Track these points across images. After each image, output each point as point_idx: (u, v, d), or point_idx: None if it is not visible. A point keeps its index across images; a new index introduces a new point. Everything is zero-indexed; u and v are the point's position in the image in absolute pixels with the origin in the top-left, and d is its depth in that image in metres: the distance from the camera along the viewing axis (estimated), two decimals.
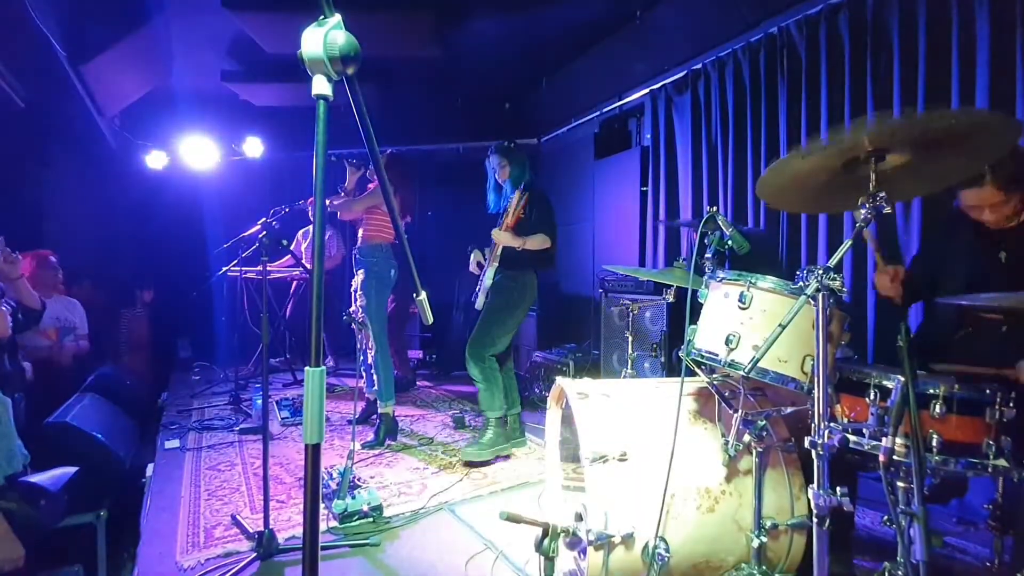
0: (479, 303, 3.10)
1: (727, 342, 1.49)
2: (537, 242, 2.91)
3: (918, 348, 1.78)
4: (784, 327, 1.26)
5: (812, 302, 1.26)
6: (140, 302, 5.34)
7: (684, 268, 2.47)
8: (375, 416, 3.31)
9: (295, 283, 5.31)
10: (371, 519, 2.26)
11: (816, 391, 1.25)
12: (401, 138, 5.83)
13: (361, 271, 3.24)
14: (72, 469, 2.10)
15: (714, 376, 1.72)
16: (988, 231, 1.74)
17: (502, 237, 2.90)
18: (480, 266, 3.13)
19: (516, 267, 2.98)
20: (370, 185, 3.37)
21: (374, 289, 3.21)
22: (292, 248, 4.52)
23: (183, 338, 6.11)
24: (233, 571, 1.89)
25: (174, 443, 3.27)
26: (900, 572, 1.28)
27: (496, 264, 2.99)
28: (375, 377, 3.23)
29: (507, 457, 2.99)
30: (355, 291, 3.27)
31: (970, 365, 1.52)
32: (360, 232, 3.32)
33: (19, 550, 1.74)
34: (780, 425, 1.75)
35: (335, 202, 3.28)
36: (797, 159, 1.36)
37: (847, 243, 1.27)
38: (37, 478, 1.97)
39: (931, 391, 1.31)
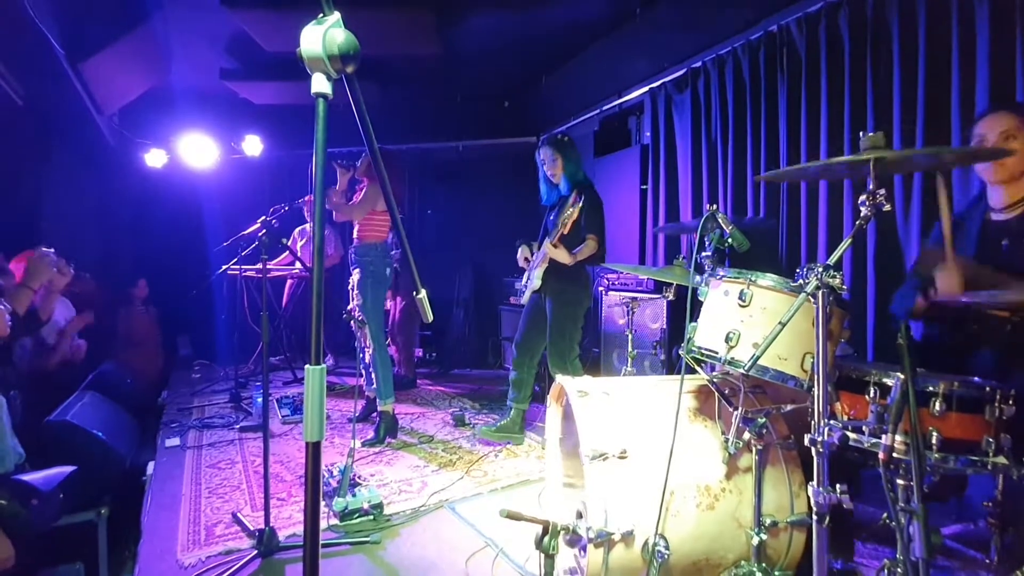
0: (524, 299, 3.14)
1: (727, 340, 1.49)
2: (587, 251, 2.92)
3: (921, 349, 1.79)
4: (784, 325, 1.26)
5: (812, 300, 1.26)
6: (136, 298, 5.34)
7: (684, 266, 2.47)
8: (375, 414, 3.31)
9: (291, 281, 5.31)
10: (371, 517, 2.26)
11: (816, 389, 1.25)
12: (400, 136, 5.83)
13: (357, 270, 3.24)
14: (68, 468, 2.09)
15: (714, 374, 1.73)
16: (993, 223, 1.75)
17: (557, 255, 2.92)
18: (527, 260, 3.15)
19: (569, 270, 2.97)
20: (360, 187, 3.38)
21: (370, 288, 3.21)
22: (288, 243, 4.51)
23: (183, 336, 6.11)
24: (234, 569, 1.89)
25: (174, 441, 3.27)
26: (900, 570, 1.28)
27: (546, 265, 3.01)
28: (373, 375, 3.24)
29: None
30: (352, 289, 3.27)
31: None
32: (355, 231, 3.33)
33: (8, 550, 1.74)
34: (780, 423, 1.75)
35: (333, 199, 3.28)
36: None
37: (847, 240, 1.27)
38: (30, 477, 1.96)
39: (931, 388, 1.31)
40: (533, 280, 3.05)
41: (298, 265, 5.04)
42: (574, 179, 3.03)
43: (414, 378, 4.76)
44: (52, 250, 2.44)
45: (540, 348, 3.15)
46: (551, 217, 3.09)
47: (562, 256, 2.91)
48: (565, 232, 2.90)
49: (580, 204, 2.84)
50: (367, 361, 3.25)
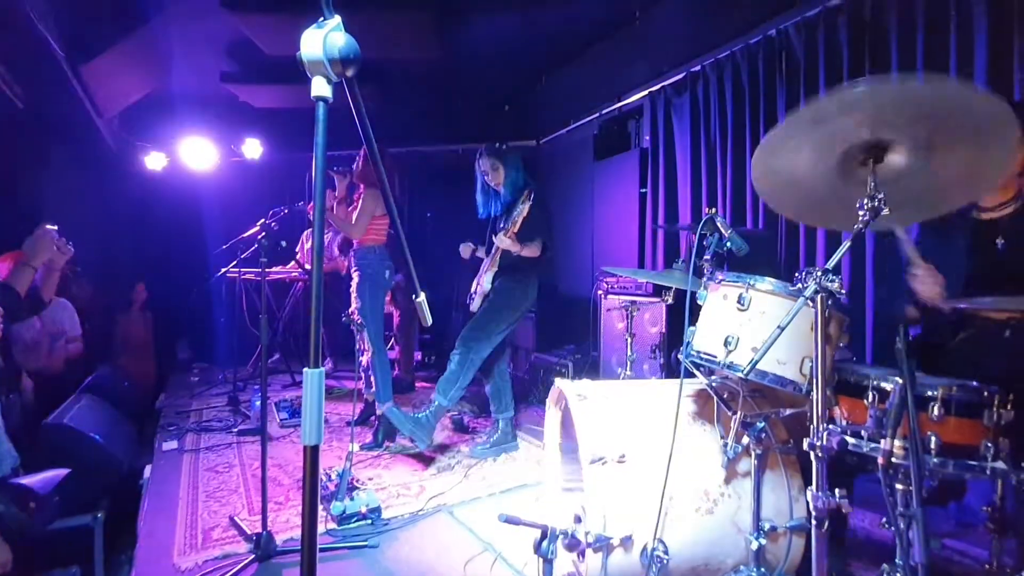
0: (475, 306, 3.11)
1: (726, 344, 1.49)
2: (532, 249, 2.92)
3: (917, 353, 1.78)
4: (783, 329, 1.26)
5: (811, 304, 1.26)
6: (135, 301, 5.33)
7: (683, 270, 2.47)
8: (374, 417, 3.31)
9: (301, 284, 5.30)
10: (369, 521, 2.26)
11: (815, 393, 1.25)
12: (400, 139, 5.83)
13: (357, 273, 3.26)
14: (63, 471, 2.08)
15: (713, 378, 1.72)
16: (984, 223, 1.76)
17: (503, 241, 2.90)
18: (472, 253, 3.15)
19: (519, 271, 2.99)
20: (357, 194, 3.39)
21: (368, 291, 3.22)
22: (297, 250, 4.52)
23: (182, 339, 6.10)
24: (231, 573, 1.88)
25: (172, 444, 3.27)
26: (899, 574, 1.27)
27: (495, 269, 3.00)
28: (372, 379, 3.23)
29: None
30: (352, 293, 3.28)
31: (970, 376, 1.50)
32: None
33: (6, 553, 1.73)
34: (779, 427, 1.75)
35: (336, 213, 3.29)
36: (792, 136, 1.31)
37: (845, 244, 1.27)
38: (27, 480, 1.95)
39: (929, 393, 1.31)
40: (484, 284, 3.05)
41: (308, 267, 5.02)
42: (516, 186, 3.01)
43: (412, 381, 4.75)
44: (56, 227, 2.41)
45: (503, 353, 3.16)
46: (501, 225, 3.04)
47: (508, 244, 2.89)
48: (515, 231, 2.90)
49: (531, 202, 2.85)
50: (365, 364, 3.25)
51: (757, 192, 1.63)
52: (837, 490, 1.22)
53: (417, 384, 4.82)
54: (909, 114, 1.18)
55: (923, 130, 1.20)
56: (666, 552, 1.55)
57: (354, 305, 3.24)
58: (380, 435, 3.17)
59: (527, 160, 3.18)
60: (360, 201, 3.28)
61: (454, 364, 2.93)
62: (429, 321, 1.22)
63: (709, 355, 1.55)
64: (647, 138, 4.33)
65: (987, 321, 1.69)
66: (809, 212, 1.59)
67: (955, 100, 1.18)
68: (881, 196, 1.23)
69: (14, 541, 1.76)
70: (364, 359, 3.22)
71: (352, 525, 2.23)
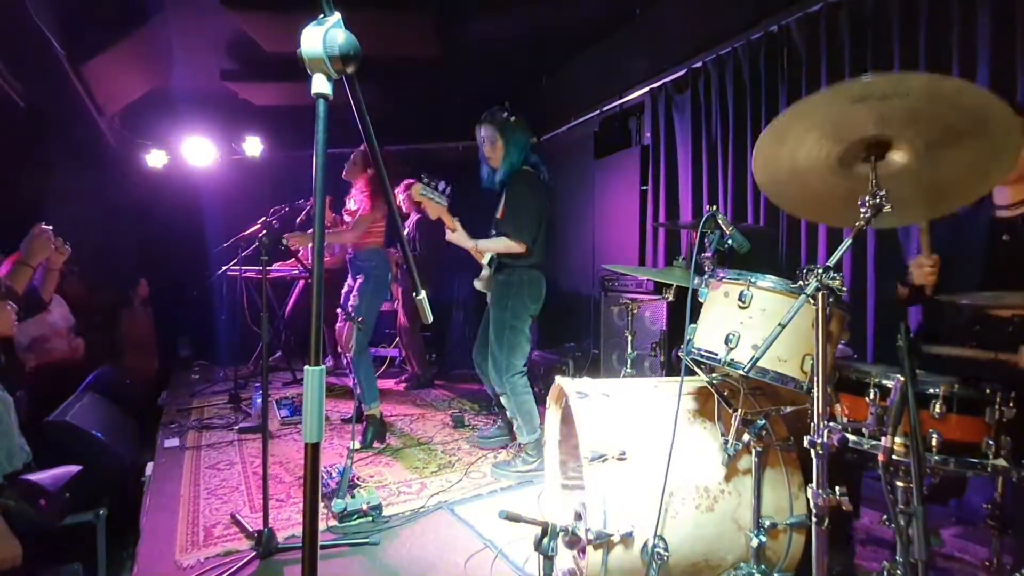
0: (478, 284, 2.83)
1: (727, 341, 1.49)
2: (494, 246, 2.62)
3: (918, 350, 1.78)
4: (784, 326, 1.25)
5: (812, 301, 1.25)
6: (137, 299, 5.33)
7: (684, 267, 2.46)
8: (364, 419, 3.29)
9: (302, 282, 5.29)
10: (370, 518, 2.26)
11: (815, 390, 1.25)
12: (400, 136, 5.82)
13: (361, 275, 3.23)
14: (74, 468, 2.09)
15: (713, 375, 1.72)
16: (997, 220, 1.77)
17: (453, 237, 2.65)
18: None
19: (507, 265, 2.73)
20: (358, 195, 3.40)
21: (371, 292, 3.20)
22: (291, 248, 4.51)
23: (183, 337, 6.11)
24: (232, 570, 1.89)
25: (174, 442, 3.28)
26: (899, 571, 1.28)
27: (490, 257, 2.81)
28: (356, 380, 3.18)
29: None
30: (353, 293, 3.27)
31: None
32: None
33: (17, 549, 1.74)
34: (779, 424, 1.75)
35: (331, 238, 3.31)
36: (796, 122, 1.30)
37: (847, 242, 1.27)
38: (37, 477, 1.96)
39: (931, 390, 1.31)
40: (484, 271, 2.77)
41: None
42: (513, 168, 2.69)
43: (431, 377, 4.66)
44: (51, 227, 2.42)
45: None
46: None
47: (458, 239, 2.64)
48: (500, 216, 2.68)
49: (511, 184, 2.61)
50: (345, 364, 3.25)
51: (756, 183, 1.62)
52: (837, 487, 1.22)
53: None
54: (915, 109, 1.17)
55: (927, 128, 1.19)
56: (666, 549, 1.55)
57: (352, 302, 3.22)
58: (369, 436, 3.15)
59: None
60: (360, 204, 3.27)
61: (505, 405, 2.85)
62: (430, 319, 1.22)
63: (710, 352, 1.54)
64: (648, 135, 4.31)
65: (991, 317, 1.69)
66: (808, 207, 1.59)
67: (962, 97, 1.18)
68: (883, 193, 1.23)
69: (22, 537, 1.77)
70: (344, 359, 3.23)
71: (353, 522, 2.24)
